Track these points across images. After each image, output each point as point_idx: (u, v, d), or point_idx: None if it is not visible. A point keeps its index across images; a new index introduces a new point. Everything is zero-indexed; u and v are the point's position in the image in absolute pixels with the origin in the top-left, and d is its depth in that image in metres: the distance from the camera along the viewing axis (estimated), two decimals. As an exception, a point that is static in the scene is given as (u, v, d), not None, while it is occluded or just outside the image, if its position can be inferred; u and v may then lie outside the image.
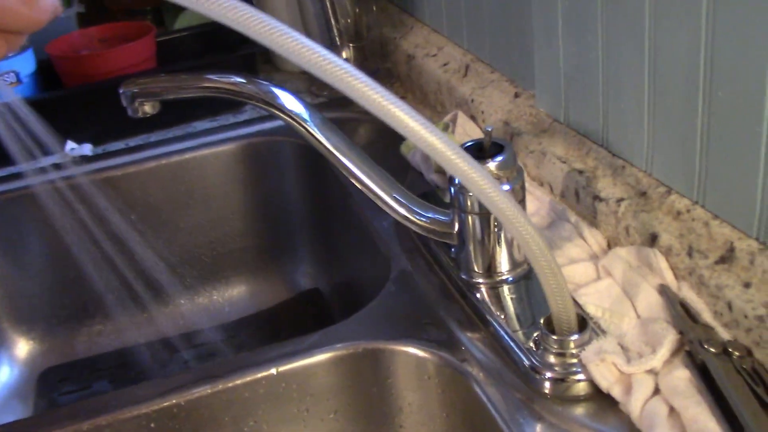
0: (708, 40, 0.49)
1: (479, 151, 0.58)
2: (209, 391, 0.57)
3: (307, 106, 0.63)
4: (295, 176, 0.95)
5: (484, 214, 0.58)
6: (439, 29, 0.94)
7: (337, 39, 1.04)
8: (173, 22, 1.19)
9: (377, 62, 1.06)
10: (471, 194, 0.57)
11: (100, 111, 0.95)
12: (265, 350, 0.59)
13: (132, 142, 0.97)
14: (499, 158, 0.56)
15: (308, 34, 1.07)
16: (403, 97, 0.99)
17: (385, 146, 0.88)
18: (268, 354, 0.59)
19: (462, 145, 0.59)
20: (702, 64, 0.50)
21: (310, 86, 1.07)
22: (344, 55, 1.04)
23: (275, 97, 0.62)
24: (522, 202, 0.59)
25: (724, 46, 0.48)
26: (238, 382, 0.57)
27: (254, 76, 0.64)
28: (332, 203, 0.88)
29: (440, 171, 0.76)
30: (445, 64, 0.89)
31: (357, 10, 1.05)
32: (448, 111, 0.87)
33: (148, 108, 0.60)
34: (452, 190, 0.59)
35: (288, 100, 0.62)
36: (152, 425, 0.57)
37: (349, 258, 0.87)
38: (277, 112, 0.61)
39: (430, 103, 0.93)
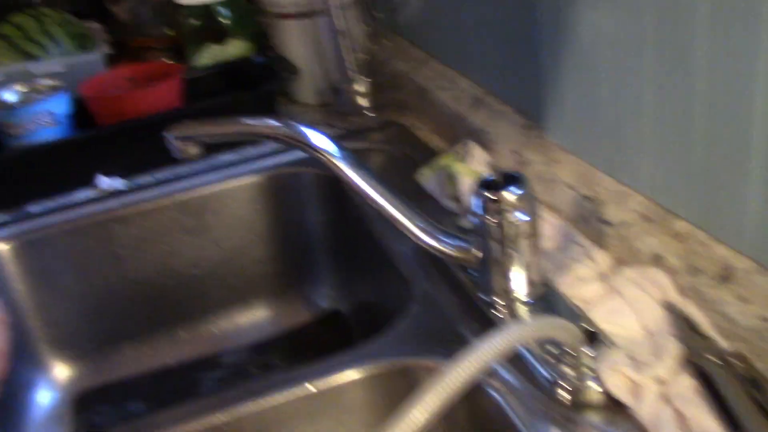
0: (701, 79, 0.55)
1: (495, 184, 0.63)
2: (252, 408, 0.62)
3: (336, 143, 0.69)
4: (316, 205, 1.00)
5: (502, 241, 0.63)
6: (449, 64, 1.00)
7: (352, 73, 1.10)
8: (192, 55, 1.25)
9: (390, 94, 1.12)
10: (493, 222, 0.63)
11: (132, 147, 1.01)
12: (304, 369, 0.64)
13: (160, 175, 1.03)
14: (515, 189, 0.62)
15: (324, 68, 1.13)
16: (415, 127, 1.05)
17: (399, 173, 0.94)
18: (307, 372, 0.64)
19: (480, 179, 0.64)
20: (697, 101, 0.56)
21: (326, 118, 1.13)
22: (359, 88, 1.10)
23: (305, 136, 0.67)
24: (537, 228, 0.64)
25: (717, 86, 0.54)
26: (280, 399, 0.62)
27: (284, 118, 0.70)
28: (352, 230, 0.94)
29: (455, 197, 0.82)
30: (456, 97, 0.95)
31: (371, 45, 1.11)
32: (460, 140, 0.92)
33: (193, 150, 0.66)
34: (475, 219, 0.64)
35: (318, 139, 0.68)
36: (201, 439, 0.62)
37: (370, 281, 0.92)
38: (309, 149, 0.66)
39: (443, 132, 0.98)
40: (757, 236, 0.54)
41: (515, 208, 0.62)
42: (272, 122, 0.70)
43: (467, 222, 0.79)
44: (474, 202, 0.64)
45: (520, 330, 0.50)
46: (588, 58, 0.67)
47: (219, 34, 1.21)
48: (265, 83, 1.09)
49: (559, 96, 0.73)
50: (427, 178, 0.87)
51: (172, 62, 1.18)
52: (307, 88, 1.16)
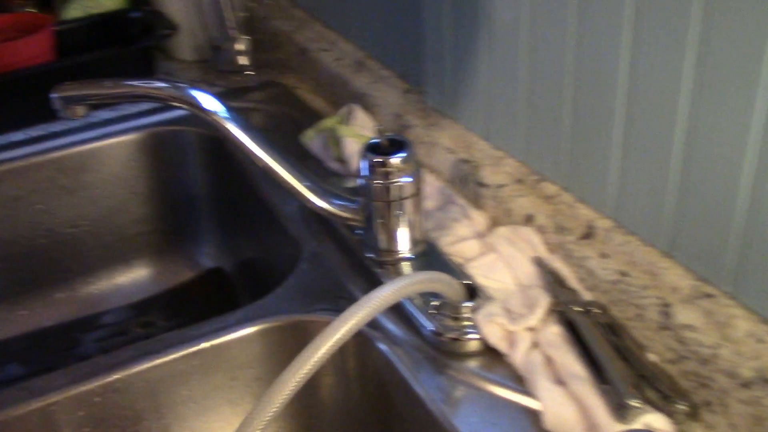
0: (570, 56, 0.60)
1: (381, 148, 0.67)
2: (148, 365, 0.64)
3: (225, 104, 0.70)
4: (199, 163, 1.00)
5: (389, 202, 0.67)
6: (331, 25, 1.02)
7: (232, 30, 1.10)
8: (62, 6, 1.20)
9: (271, 54, 1.12)
10: (379, 184, 0.66)
11: (2, 103, 0.97)
12: (198, 326, 0.66)
13: (33, 132, 0.99)
14: (402, 154, 0.66)
15: (203, 25, 1.12)
16: (296, 87, 1.06)
17: (282, 134, 0.95)
18: (201, 330, 0.66)
19: (367, 143, 0.67)
20: (566, 74, 0.61)
21: (205, 75, 1.13)
22: (239, 46, 1.10)
23: (195, 99, 0.68)
24: (420, 190, 0.68)
25: (584, 62, 0.59)
26: (175, 356, 0.64)
27: (171, 79, 0.70)
28: (236, 189, 0.95)
29: (340, 159, 0.85)
30: (338, 59, 0.97)
31: (251, 3, 1.11)
32: (342, 102, 0.95)
33: (80, 111, 0.65)
34: (362, 181, 0.67)
35: (207, 101, 0.69)
36: (96, 399, 0.63)
37: (255, 240, 0.94)
38: (199, 112, 0.67)
39: (324, 94, 1.01)
40: (617, 199, 0.60)
41: (400, 171, 0.66)
42: (160, 84, 0.70)
43: (352, 183, 0.82)
44: (361, 165, 0.67)
45: (404, 283, 0.54)
46: (468, 29, 0.71)
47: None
48: (141, 39, 1.07)
49: (439, 63, 0.77)
50: (311, 139, 0.90)
51: (44, 14, 1.13)
52: (185, 44, 1.14)
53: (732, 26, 0.47)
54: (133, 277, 1.04)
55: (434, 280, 0.57)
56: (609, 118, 0.58)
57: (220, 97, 1.04)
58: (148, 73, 1.11)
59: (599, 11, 0.56)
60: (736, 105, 0.48)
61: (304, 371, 0.48)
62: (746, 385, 0.48)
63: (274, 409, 0.47)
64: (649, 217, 0.57)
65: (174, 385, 0.65)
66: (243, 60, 1.12)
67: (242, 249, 0.99)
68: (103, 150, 0.98)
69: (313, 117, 0.98)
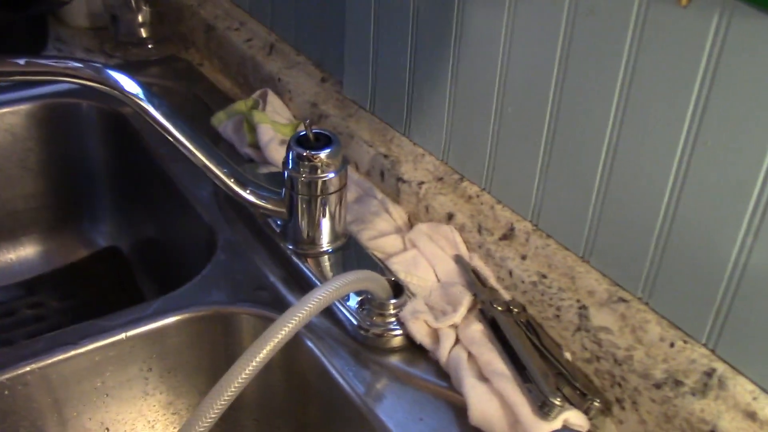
0: (492, 64, 0.62)
1: (307, 142, 0.67)
2: (62, 356, 0.62)
3: (144, 87, 0.67)
4: (97, 138, 0.96)
5: (313, 196, 0.67)
6: (240, 3, 1.00)
7: (132, 2, 1.05)
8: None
9: (172, 27, 1.09)
10: (304, 177, 0.66)
11: None
12: (115, 316, 0.64)
13: None
14: (329, 150, 0.66)
15: (101, -8, 1.07)
16: (200, 65, 1.04)
17: (191, 117, 0.93)
18: (118, 320, 0.64)
19: (294, 136, 0.67)
20: (492, 81, 0.63)
21: (101, 45, 1.08)
22: (140, 18, 1.06)
23: (114, 81, 0.65)
24: (345, 186, 0.69)
25: (510, 72, 0.61)
26: (91, 347, 0.62)
27: (88, 60, 0.67)
28: (140, 168, 0.92)
29: (254, 145, 0.84)
30: (248, 40, 0.96)
31: (154, -26, 1.07)
32: (253, 85, 0.94)
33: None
34: (285, 173, 0.67)
35: (126, 83, 0.66)
36: (6, 392, 0.60)
37: (160, 222, 0.92)
38: (118, 94, 0.65)
39: (233, 75, 0.99)
40: (537, 203, 0.63)
41: (327, 166, 0.66)
42: (73, 63, 0.67)
43: (266, 170, 0.81)
44: (287, 157, 0.67)
45: (341, 283, 0.55)
46: (390, 21, 0.72)
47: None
48: (34, 4, 1.01)
49: (358, 53, 0.78)
50: (221, 122, 0.88)
51: None
52: (81, 11, 1.09)
53: (660, 49, 0.50)
54: (22, 255, 0.99)
55: (368, 279, 0.58)
56: (535, 125, 0.61)
57: (118, 69, 1.01)
58: (42, 41, 1.05)
59: (534, 17, 0.58)
60: (659, 123, 0.51)
61: (248, 372, 0.48)
62: (658, 385, 0.53)
63: (217, 411, 0.47)
64: (568, 223, 0.61)
65: (88, 376, 0.64)
66: (142, 31, 1.07)
67: (143, 229, 0.96)
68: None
69: (220, 98, 0.96)
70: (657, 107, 0.51)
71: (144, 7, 1.06)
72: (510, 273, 0.64)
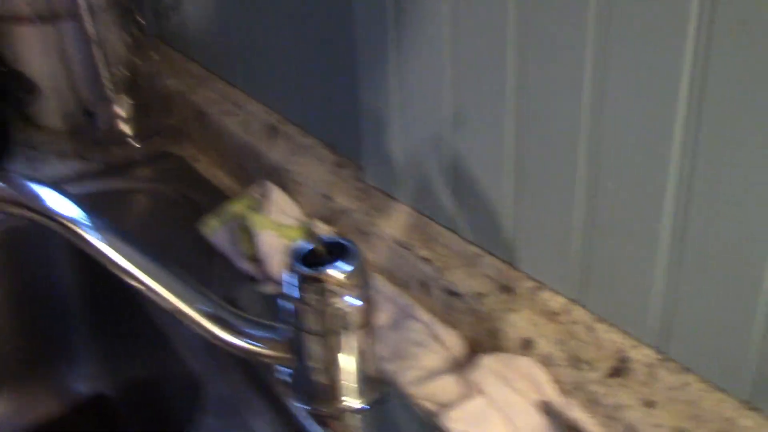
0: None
1: (314, 256, 0.46)
2: None
3: (81, 204, 0.48)
4: (69, 266, 0.78)
5: (328, 331, 0.46)
6: (236, 83, 0.82)
7: (110, 92, 0.88)
8: None
9: (161, 119, 0.91)
10: (312, 307, 0.46)
11: None
12: None
13: None
14: (345, 263, 0.45)
15: (74, 86, 0.90)
16: (196, 160, 0.86)
17: (177, 222, 0.74)
18: None
19: (293, 250, 0.47)
20: (584, 152, 0.43)
21: (77, 148, 0.90)
22: (119, 110, 0.89)
23: (38, 200, 0.46)
24: (371, 313, 0.48)
25: (607, 140, 0.41)
26: None
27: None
28: (118, 300, 0.73)
29: (253, 258, 0.64)
30: (246, 124, 0.77)
31: (135, 59, 0.90)
32: (254, 179, 0.74)
33: None
34: (287, 304, 0.47)
35: (53, 199, 0.47)
36: None
37: (143, 362, 0.72)
38: (43, 220, 0.46)
39: (231, 168, 0.80)
40: (662, 319, 0.42)
41: (343, 288, 0.46)
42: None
43: (270, 289, 0.61)
44: (286, 280, 0.47)
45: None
46: (419, 82, 0.52)
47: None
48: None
49: (383, 128, 0.58)
50: (214, 230, 0.68)
51: None
52: (52, 110, 0.92)
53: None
54: (-15, 416, 0.79)
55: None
56: (653, 201, 0.40)
57: (97, 175, 0.83)
58: (3, 145, 0.88)
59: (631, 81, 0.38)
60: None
61: None
62: None
63: None
64: (720, 349, 0.39)
65: None
66: (124, 127, 0.90)
67: (127, 368, 0.76)
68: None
69: (216, 197, 0.77)
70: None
71: (125, 99, 0.89)
72: (632, 430, 0.42)
